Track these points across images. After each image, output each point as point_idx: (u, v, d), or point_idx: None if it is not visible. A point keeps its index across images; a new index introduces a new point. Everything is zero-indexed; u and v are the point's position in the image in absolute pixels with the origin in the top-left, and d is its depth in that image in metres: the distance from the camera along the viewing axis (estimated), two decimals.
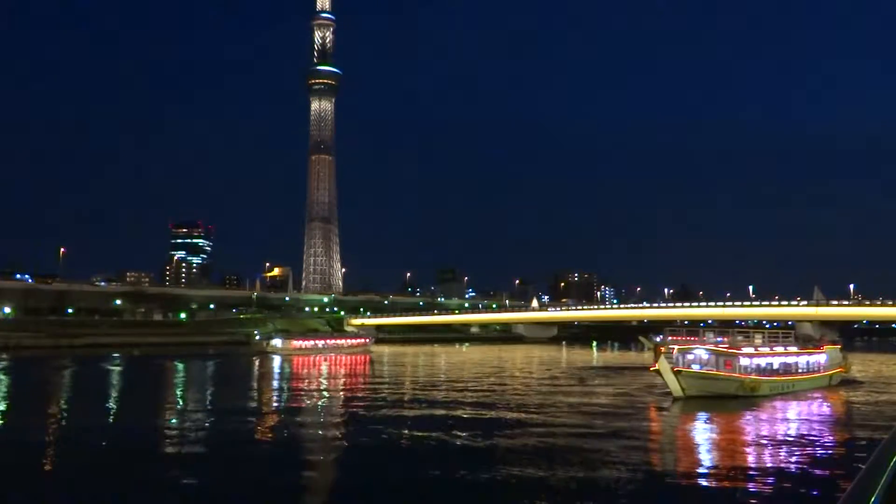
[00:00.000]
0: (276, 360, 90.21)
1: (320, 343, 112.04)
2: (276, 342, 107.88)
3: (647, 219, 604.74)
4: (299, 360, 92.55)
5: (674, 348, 50.58)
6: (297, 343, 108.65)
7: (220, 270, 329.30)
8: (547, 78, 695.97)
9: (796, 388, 51.40)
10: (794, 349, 55.77)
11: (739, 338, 55.08)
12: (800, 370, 53.49)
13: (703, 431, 36.53)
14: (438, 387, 55.50)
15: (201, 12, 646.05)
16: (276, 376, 70.91)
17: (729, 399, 44.90)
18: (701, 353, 48.57)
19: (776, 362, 51.53)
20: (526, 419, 36.80)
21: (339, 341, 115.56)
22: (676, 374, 45.64)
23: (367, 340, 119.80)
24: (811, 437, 32.96)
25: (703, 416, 40.18)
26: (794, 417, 41.57)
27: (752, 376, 47.36)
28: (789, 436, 33.93)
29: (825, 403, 47.93)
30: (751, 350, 50.41)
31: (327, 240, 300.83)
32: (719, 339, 53.89)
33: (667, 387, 46.37)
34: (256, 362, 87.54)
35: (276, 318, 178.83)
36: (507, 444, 29.10)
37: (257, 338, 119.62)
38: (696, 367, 47.21)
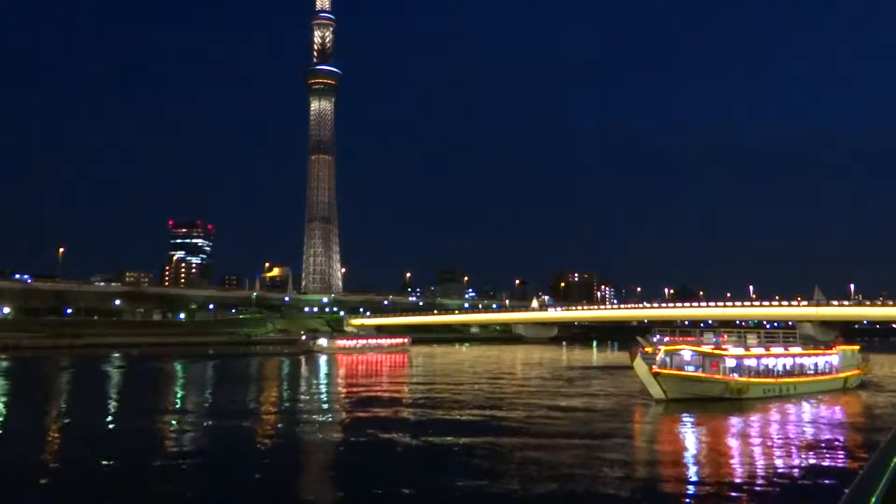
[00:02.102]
0: (323, 359, 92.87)
1: (362, 343, 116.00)
2: (322, 342, 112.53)
3: (647, 219, 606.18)
4: (345, 358, 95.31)
5: (660, 349, 48.14)
6: (341, 343, 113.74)
7: (219, 270, 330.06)
8: (547, 78, 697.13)
9: (800, 391, 48.48)
10: (797, 349, 52.40)
11: (733, 338, 52.00)
12: (804, 372, 50.60)
13: (667, 441, 33.67)
14: (453, 387, 55.49)
15: (201, 12, 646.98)
16: (340, 374, 72.74)
17: (713, 402, 42.60)
18: (687, 353, 46.60)
19: (772, 363, 48.67)
20: (502, 425, 35.00)
21: (379, 341, 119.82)
22: (656, 375, 43.88)
23: (406, 340, 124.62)
24: (793, 445, 30.61)
25: (672, 422, 37.79)
26: (782, 423, 38.82)
27: (740, 378, 45.11)
28: (765, 444, 31.33)
29: (831, 407, 44.85)
30: (740, 351, 47.82)
31: (327, 240, 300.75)
32: (715, 339, 51.25)
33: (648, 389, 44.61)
34: (303, 360, 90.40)
35: (276, 318, 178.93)
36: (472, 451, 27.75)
37: (303, 338, 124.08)
38: (690, 369, 45.35)
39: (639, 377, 45.13)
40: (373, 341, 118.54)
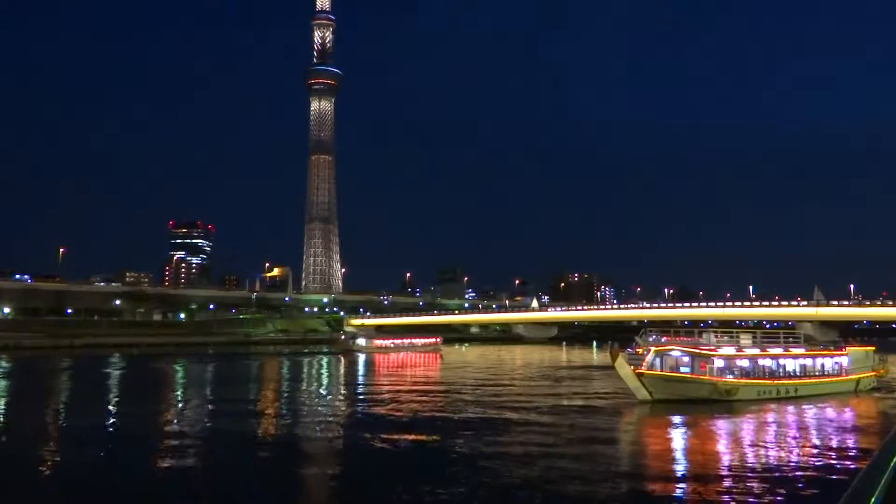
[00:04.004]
0: (362, 358, 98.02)
1: (397, 342, 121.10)
2: (361, 341, 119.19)
3: (647, 219, 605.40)
4: (382, 357, 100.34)
5: (650, 349, 46.51)
6: (378, 342, 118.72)
7: (219, 270, 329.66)
8: (547, 78, 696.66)
9: (802, 393, 46.68)
10: (799, 350, 50.67)
11: (725, 338, 50.49)
12: (809, 373, 48.82)
13: (640, 446, 32.71)
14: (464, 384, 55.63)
15: (201, 12, 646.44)
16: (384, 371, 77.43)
17: (701, 404, 41.35)
18: (676, 354, 45.43)
19: (768, 364, 47.06)
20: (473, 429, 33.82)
21: (413, 340, 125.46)
22: (639, 376, 43.07)
23: (438, 340, 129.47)
24: (773, 452, 28.83)
25: (653, 426, 36.99)
26: (770, 427, 36.96)
27: (730, 379, 43.73)
28: (741, 450, 29.70)
29: (836, 411, 42.69)
30: (730, 351, 46.33)
31: (327, 240, 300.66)
32: (714, 340, 49.55)
33: (632, 389, 43.72)
34: (342, 359, 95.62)
35: (276, 319, 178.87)
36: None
37: (342, 337, 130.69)
38: (684, 370, 44.32)
39: (622, 378, 44.31)
40: (407, 341, 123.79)
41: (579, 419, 37.36)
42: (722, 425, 36.80)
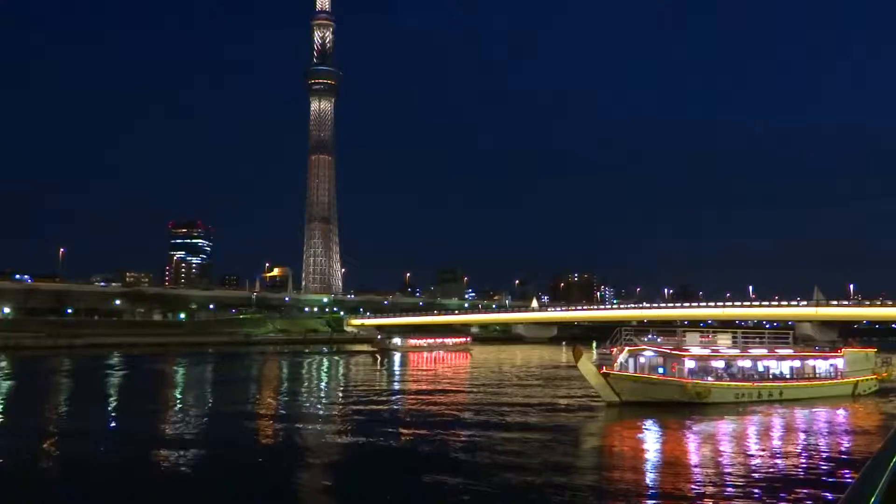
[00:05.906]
0: (397, 356, 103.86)
1: (430, 341, 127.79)
2: (397, 340, 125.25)
3: (647, 219, 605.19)
4: (417, 355, 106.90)
5: (625, 349, 45.05)
6: (413, 342, 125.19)
7: (219, 270, 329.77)
8: (547, 78, 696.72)
9: (788, 396, 44.77)
10: (787, 351, 48.94)
11: (713, 337, 48.87)
12: (797, 376, 47.13)
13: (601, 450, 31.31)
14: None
15: (201, 12, 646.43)
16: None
17: (673, 406, 40.15)
18: (648, 354, 44.16)
19: (747, 365, 45.28)
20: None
21: (445, 340, 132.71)
22: (605, 377, 42.07)
23: (468, 339, 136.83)
24: (735, 460, 27.07)
25: (618, 429, 36.07)
26: (743, 431, 35.21)
27: (702, 381, 42.36)
28: (705, 457, 28.26)
29: (826, 415, 41.01)
30: (704, 351, 44.86)
31: (327, 240, 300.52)
32: (704, 339, 48.17)
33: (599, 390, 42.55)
34: (379, 357, 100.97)
35: (276, 319, 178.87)
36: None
37: (378, 337, 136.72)
38: (660, 371, 43.31)
39: (586, 379, 43.12)
40: (439, 340, 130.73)
41: (560, 436, 32.98)
42: (687, 429, 35.12)
